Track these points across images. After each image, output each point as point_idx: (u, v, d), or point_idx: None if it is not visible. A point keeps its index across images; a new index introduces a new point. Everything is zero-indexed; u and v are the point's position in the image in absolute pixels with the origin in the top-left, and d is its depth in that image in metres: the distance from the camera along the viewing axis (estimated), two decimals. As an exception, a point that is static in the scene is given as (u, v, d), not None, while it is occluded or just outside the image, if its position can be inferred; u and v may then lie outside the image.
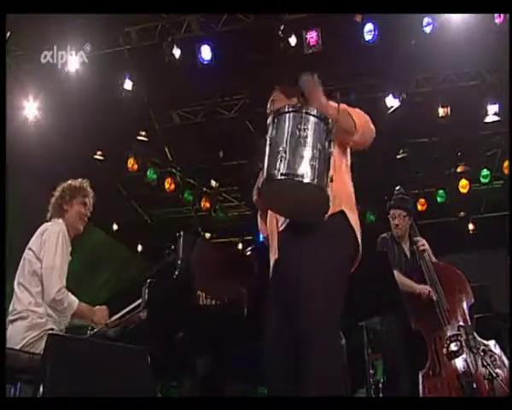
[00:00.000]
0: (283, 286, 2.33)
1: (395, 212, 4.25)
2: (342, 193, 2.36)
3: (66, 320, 3.17)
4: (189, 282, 2.68)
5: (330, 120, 2.17)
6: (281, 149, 2.09)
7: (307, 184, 2.07)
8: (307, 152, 2.08)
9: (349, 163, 2.54)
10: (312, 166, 2.07)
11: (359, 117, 2.46)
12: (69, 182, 3.42)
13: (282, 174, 2.07)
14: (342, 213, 2.33)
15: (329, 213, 2.22)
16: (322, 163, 2.10)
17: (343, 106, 2.36)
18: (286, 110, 2.18)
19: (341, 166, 2.45)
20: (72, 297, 3.10)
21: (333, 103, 2.26)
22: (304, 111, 2.15)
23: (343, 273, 2.31)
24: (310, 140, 2.10)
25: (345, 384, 2.23)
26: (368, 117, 2.52)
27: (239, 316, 2.86)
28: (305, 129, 2.11)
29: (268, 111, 2.60)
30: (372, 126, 2.51)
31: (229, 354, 2.94)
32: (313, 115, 2.15)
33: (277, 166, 2.07)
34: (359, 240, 2.38)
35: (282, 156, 2.07)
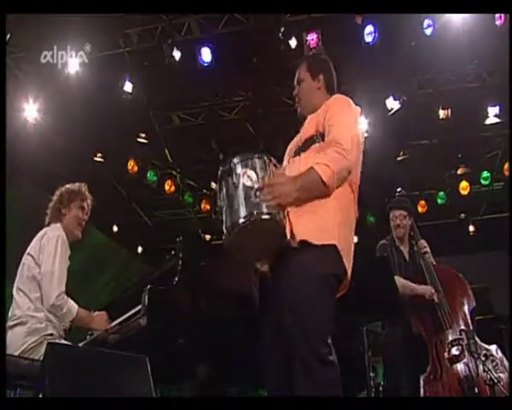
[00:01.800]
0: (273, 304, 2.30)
1: (396, 213, 4.22)
2: (329, 225, 2.26)
3: (66, 325, 3.13)
4: (189, 288, 2.67)
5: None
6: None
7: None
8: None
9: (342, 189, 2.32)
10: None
11: (326, 164, 2.18)
12: (67, 186, 3.35)
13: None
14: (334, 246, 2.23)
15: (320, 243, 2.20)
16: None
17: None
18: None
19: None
20: (72, 303, 3.04)
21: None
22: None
23: (329, 286, 2.23)
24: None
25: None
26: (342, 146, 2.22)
27: (240, 320, 2.85)
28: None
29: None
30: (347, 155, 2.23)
31: (230, 360, 2.93)
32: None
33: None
34: (347, 267, 2.28)
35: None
